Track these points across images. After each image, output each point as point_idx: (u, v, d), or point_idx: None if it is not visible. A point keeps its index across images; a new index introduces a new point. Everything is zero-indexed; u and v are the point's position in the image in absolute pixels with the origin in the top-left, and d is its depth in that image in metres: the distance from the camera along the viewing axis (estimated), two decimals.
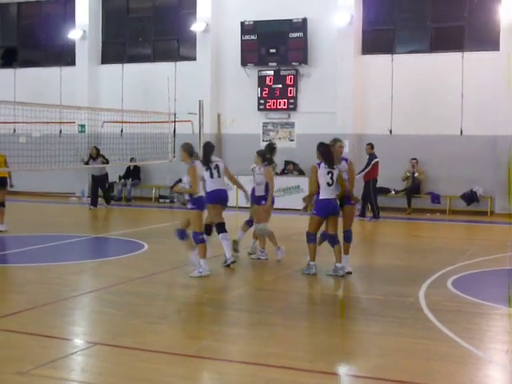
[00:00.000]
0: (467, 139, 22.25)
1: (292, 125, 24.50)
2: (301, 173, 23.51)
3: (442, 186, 22.12)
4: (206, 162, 12.60)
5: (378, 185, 22.67)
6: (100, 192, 23.42)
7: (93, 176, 23.43)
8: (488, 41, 22.11)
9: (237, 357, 7.44)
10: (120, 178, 25.97)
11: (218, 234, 12.51)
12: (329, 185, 11.42)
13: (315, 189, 11.49)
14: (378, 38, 23.94)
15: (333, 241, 11.69)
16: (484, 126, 21.90)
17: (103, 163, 22.40)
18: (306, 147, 23.60)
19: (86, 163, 22.69)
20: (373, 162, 20.39)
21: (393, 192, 22.91)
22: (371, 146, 20.76)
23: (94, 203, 22.85)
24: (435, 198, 22.13)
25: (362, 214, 20.18)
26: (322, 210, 11.52)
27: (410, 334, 8.34)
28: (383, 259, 13.74)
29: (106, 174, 23.63)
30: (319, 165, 11.54)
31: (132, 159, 23.70)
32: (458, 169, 21.67)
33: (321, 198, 11.46)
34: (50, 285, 11.12)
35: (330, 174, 11.46)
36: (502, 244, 15.34)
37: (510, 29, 21.46)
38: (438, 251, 14.74)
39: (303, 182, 22.82)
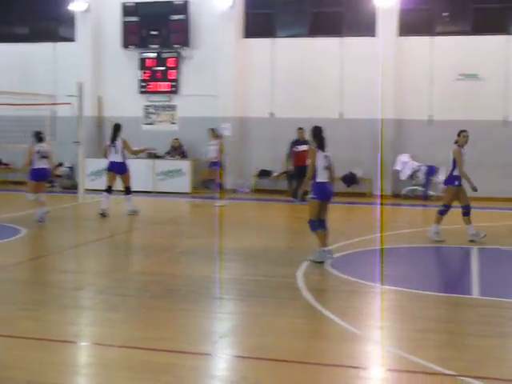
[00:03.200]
0: (347, 122, 22.72)
1: (174, 108, 24.36)
2: (183, 156, 23.42)
3: None
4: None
5: (261, 167, 23.08)
6: None
7: None
8: (365, 26, 22.61)
9: (115, 341, 7.35)
10: None
11: None
12: (326, 168, 11.31)
13: (313, 173, 11.25)
14: (259, 21, 24.04)
15: (323, 225, 11.48)
16: (362, 109, 22.42)
17: None
18: (189, 130, 23.64)
19: None
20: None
21: (274, 174, 23.15)
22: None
23: None
24: None
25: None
26: (323, 194, 11.32)
27: (289, 314, 8.47)
28: (264, 240, 13.84)
29: None
30: (317, 148, 11.38)
31: None
32: (338, 151, 21.57)
33: (319, 181, 11.28)
34: None
35: (326, 158, 11.35)
36: (379, 224, 15.77)
37: (385, 15, 22.04)
38: None
39: (185, 166, 22.83)
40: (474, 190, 13.76)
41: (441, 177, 21.51)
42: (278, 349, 7.13)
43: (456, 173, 13.88)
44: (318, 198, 11.33)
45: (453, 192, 13.92)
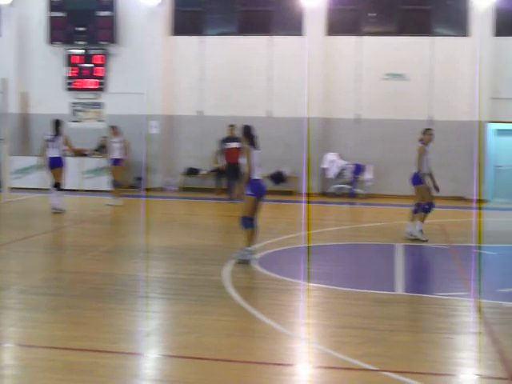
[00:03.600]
0: (275, 121, 22.83)
1: (101, 105, 24.10)
2: None
3: None
4: None
5: (189, 165, 22.98)
6: None
7: None
8: (293, 26, 22.75)
9: (37, 341, 7.22)
10: None
11: None
12: (259, 165, 11.37)
13: (250, 171, 11.25)
14: (188, 19, 23.95)
15: (251, 224, 11.45)
16: (290, 108, 22.57)
17: None
18: None
19: None
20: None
21: (202, 172, 23.11)
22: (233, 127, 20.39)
23: None
24: None
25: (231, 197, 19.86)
26: (258, 190, 11.35)
27: (214, 312, 8.44)
28: (191, 239, 13.81)
29: None
30: (250, 146, 11.40)
31: None
32: (267, 150, 21.82)
33: (255, 178, 11.30)
34: None
35: (259, 155, 11.42)
36: (308, 222, 15.88)
37: (313, 14, 22.21)
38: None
39: None
40: (436, 189, 14.17)
41: (368, 175, 21.83)
42: (204, 347, 7.10)
43: (424, 170, 14.08)
44: (254, 195, 11.37)
45: (424, 189, 14.10)
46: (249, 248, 11.41)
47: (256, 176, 11.33)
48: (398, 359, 6.84)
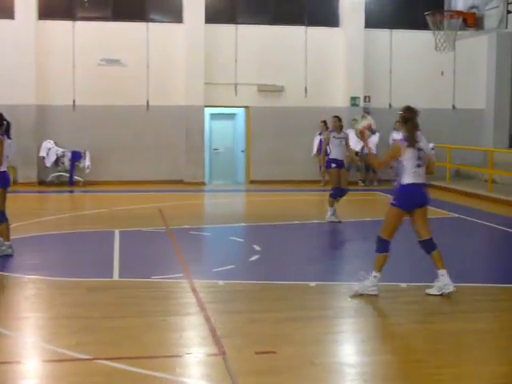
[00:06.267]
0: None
1: None
2: None
3: None
4: None
5: None
6: None
7: None
8: (3, 9, 21.82)
9: None
10: None
11: None
12: (8, 157, 10.87)
13: (1, 162, 10.71)
14: None
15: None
16: (3, 95, 21.51)
17: None
18: None
19: None
20: None
21: None
22: None
23: None
24: None
25: None
26: (5, 182, 10.92)
27: None
28: None
29: None
30: (4, 135, 10.77)
31: None
32: None
33: (2, 170, 10.78)
34: None
35: (10, 146, 10.98)
36: (25, 212, 15.38)
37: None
38: None
39: None
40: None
41: (86, 162, 21.57)
42: None
43: (332, 156, 14.59)
44: (1, 187, 10.92)
45: (335, 173, 14.61)
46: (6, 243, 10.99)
47: (3, 168, 10.90)
48: (111, 346, 6.82)
